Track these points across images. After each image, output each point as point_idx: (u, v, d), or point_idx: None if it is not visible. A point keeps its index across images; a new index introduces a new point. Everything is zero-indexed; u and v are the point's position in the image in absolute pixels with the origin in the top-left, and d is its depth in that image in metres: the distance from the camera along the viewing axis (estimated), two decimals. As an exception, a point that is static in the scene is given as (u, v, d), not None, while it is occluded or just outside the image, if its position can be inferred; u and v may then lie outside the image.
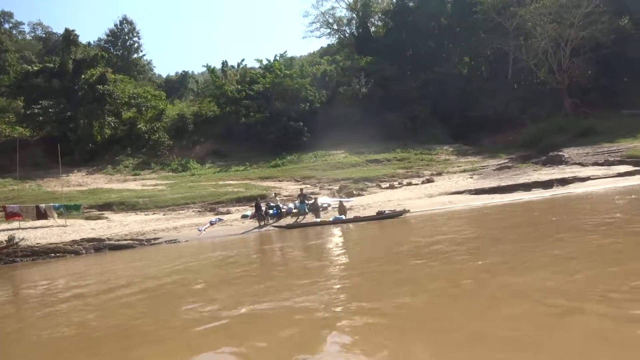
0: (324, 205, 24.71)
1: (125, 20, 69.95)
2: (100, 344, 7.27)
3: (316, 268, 12.01)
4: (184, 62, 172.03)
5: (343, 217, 21.87)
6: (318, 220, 22.40)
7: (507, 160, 36.46)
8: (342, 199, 24.63)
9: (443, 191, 26.16)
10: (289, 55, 58.91)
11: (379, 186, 31.39)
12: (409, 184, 31.09)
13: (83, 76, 44.64)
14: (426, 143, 45.02)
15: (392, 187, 30.73)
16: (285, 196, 30.08)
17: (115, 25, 69.59)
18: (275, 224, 22.56)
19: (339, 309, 7.55)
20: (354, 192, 29.34)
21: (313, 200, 24.26)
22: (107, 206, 30.05)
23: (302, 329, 6.77)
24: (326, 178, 35.34)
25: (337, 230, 19.76)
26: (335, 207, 24.38)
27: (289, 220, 23.59)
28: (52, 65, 45.97)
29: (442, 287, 8.18)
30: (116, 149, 44.63)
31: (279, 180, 35.94)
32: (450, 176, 32.90)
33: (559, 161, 33.27)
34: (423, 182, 30.98)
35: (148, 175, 40.77)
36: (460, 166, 36.78)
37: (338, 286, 9.44)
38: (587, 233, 11.77)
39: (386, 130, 46.37)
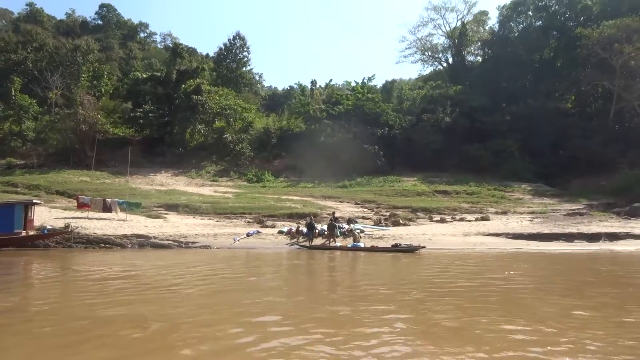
0: (357, 231, 24.97)
1: (238, 36, 74.73)
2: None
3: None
4: (296, 77, 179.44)
5: (361, 244, 22.08)
6: (338, 244, 22.88)
7: (583, 207, 33.85)
8: (354, 227, 25.10)
9: (482, 231, 25.10)
10: (387, 79, 59.76)
11: (430, 218, 30.80)
12: (462, 219, 30.09)
13: (183, 86, 48.79)
14: (505, 179, 43.04)
15: (442, 220, 30.00)
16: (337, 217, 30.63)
17: (229, 39, 74.69)
18: (300, 244, 23.37)
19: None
20: (401, 221, 29.09)
21: (328, 224, 24.69)
22: (174, 207, 32.64)
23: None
24: (385, 204, 35.32)
25: (351, 256, 20.15)
26: (368, 235, 24.84)
27: (318, 240, 24.25)
28: (159, 74, 50.86)
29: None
30: (202, 155, 48.05)
31: (340, 201, 36.48)
32: (511, 216, 31.33)
33: (643, 214, 30.24)
34: (477, 220, 29.83)
35: (224, 183, 43.38)
36: (530, 207, 34.79)
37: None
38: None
39: (465, 162, 45.23)
